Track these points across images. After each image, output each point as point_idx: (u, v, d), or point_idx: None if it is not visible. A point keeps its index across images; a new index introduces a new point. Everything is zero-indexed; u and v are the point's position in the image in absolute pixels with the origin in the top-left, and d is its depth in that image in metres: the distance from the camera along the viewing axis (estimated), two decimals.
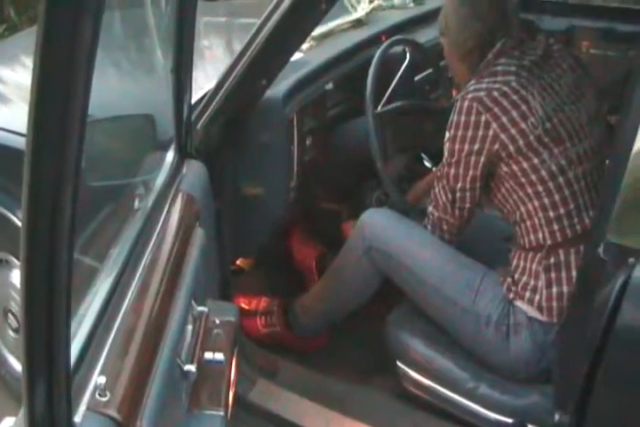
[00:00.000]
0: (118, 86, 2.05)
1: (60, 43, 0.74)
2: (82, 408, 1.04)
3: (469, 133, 1.96)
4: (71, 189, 0.82)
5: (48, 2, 0.72)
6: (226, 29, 3.39)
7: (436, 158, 2.63)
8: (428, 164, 2.80)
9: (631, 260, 1.44)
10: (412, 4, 3.41)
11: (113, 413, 1.06)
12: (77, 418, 1.02)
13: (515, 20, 2.09)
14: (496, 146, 1.94)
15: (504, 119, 1.93)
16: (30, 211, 0.81)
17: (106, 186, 1.54)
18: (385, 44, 2.55)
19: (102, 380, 1.08)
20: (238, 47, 2.08)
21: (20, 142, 2.20)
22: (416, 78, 2.78)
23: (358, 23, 3.00)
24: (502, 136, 1.93)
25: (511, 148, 1.93)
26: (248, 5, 4.05)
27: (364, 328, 2.44)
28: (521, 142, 1.93)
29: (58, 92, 0.77)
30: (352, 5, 3.08)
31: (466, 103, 1.96)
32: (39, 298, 0.87)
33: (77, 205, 0.84)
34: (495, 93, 1.95)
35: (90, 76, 0.79)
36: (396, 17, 3.18)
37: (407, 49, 2.71)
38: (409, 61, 2.69)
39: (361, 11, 3.05)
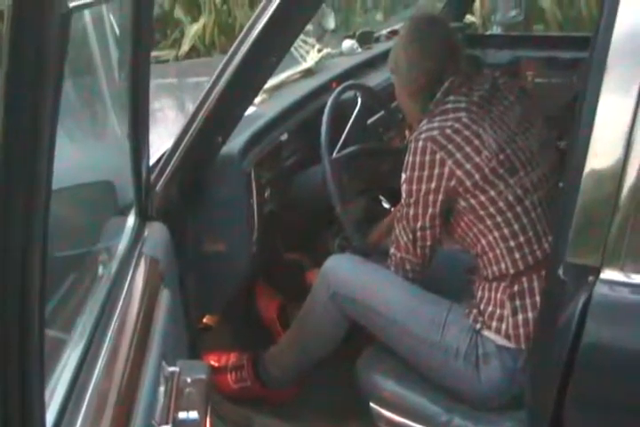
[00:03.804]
0: (75, 154, 2.07)
1: (22, 113, 0.77)
2: None
3: (425, 173, 2.00)
4: (39, 261, 0.84)
5: (9, 70, 0.74)
6: (178, 90, 3.43)
7: (394, 199, 2.67)
8: (386, 205, 2.84)
9: (590, 278, 1.49)
10: (359, 50, 3.48)
11: None
12: None
13: (463, 58, 2.16)
14: (453, 182, 1.98)
15: (458, 155, 1.97)
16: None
17: (69, 255, 1.56)
18: (336, 91, 2.60)
19: None
20: (191, 106, 2.11)
21: None
22: (369, 122, 2.83)
23: (308, 72, 3.07)
24: (458, 172, 1.97)
25: (468, 183, 1.97)
26: (197, 64, 4.10)
27: (334, 373, 2.44)
28: (477, 176, 1.97)
29: (22, 162, 0.79)
30: (301, 55, 3.14)
31: (420, 143, 2.00)
32: (12, 367, 0.87)
33: (46, 274, 0.86)
34: (448, 131, 1.99)
35: (53, 145, 0.81)
36: (345, 63, 3.25)
37: (358, 93, 2.76)
38: (361, 105, 2.74)
39: (310, 60, 3.11)
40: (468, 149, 1.97)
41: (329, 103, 2.53)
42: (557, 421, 1.58)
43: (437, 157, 1.98)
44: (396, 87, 2.23)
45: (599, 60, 1.46)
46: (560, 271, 1.55)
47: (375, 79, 3.02)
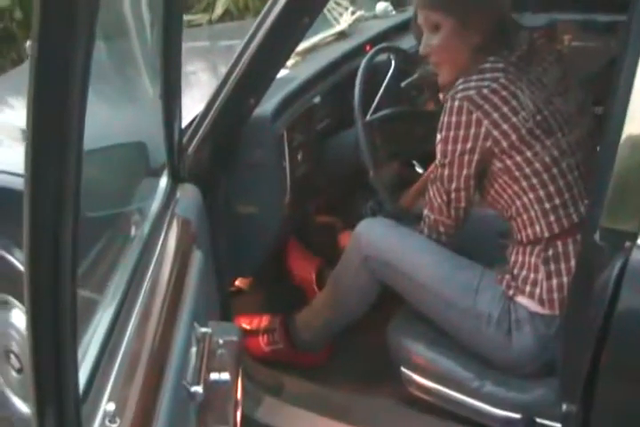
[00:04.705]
0: (107, 115, 2.08)
1: (53, 73, 0.76)
2: None
3: (461, 133, 1.97)
4: (71, 223, 0.84)
5: (40, 32, 0.73)
6: (210, 53, 3.41)
7: (427, 163, 2.64)
8: (419, 169, 2.82)
9: (627, 244, 1.46)
10: (393, 13, 3.43)
11: None
12: None
13: (509, 19, 2.11)
14: (489, 143, 1.96)
15: (495, 115, 1.94)
16: (32, 241, 0.82)
17: (101, 216, 1.56)
18: (370, 53, 2.57)
19: (111, 407, 1.08)
20: (224, 70, 2.10)
21: (13, 183, 2.20)
22: (402, 84, 2.80)
23: (342, 35, 3.02)
24: (495, 133, 1.94)
25: (504, 143, 1.95)
26: (230, 28, 4.07)
27: (364, 338, 2.46)
28: (514, 137, 1.95)
29: (53, 124, 0.79)
30: (334, 18, 3.10)
31: (456, 103, 1.97)
32: (45, 328, 0.87)
33: (78, 236, 0.86)
34: (485, 91, 1.96)
35: (84, 106, 0.81)
36: (379, 26, 3.20)
37: (392, 56, 2.73)
38: (394, 68, 2.71)
39: (343, 23, 3.07)
40: (505, 109, 1.95)
41: (362, 66, 2.50)
42: (590, 388, 1.56)
43: (474, 116, 1.95)
44: (447, 42, 2.07)
45: (639, 23, 1.43)
46: (596, 236, 1.53)
47: (409, 42, 2.97)
